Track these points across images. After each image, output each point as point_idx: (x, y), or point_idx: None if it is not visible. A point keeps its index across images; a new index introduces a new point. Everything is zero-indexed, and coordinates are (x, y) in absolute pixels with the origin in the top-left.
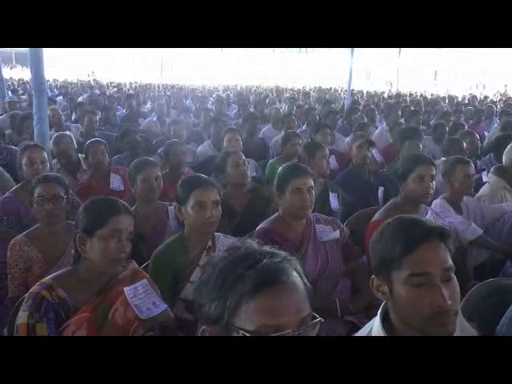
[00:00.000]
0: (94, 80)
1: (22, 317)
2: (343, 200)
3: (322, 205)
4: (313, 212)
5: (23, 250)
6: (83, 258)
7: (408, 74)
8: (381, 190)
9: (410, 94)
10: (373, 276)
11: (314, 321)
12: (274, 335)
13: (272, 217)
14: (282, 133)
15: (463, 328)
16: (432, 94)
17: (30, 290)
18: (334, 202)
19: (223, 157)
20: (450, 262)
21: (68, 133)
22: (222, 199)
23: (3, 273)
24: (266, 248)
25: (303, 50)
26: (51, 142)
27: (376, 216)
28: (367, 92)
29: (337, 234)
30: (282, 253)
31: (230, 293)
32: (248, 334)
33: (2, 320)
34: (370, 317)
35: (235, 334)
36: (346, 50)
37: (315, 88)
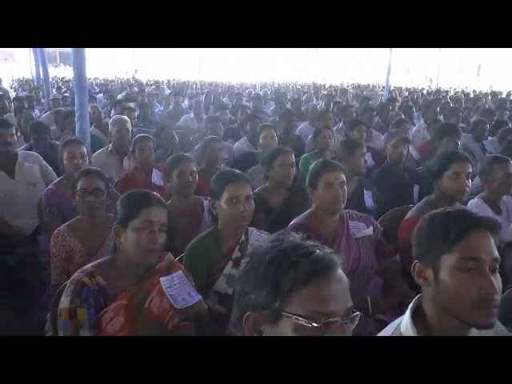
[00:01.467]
0: (134, 78)
1: (64, 301)
2: (377, 198)
3: (357, 202)
4: (346, 209)
5: (65, 240)
6: (120, 248)
7: (450, 69)
8: (416, 188)
9: (446, 91)
10: (415, 261)
11: (355, 314)
12: (323, 322)
13: (305, 213)
14: None
15: (498, 329)
16: (474, 91)
17: (72, 277)
18: (368, 199)
19: (274, 152)
20: (498, 254)
21: (126, 117)
22: (259, 195)
23: (47, 261)
24: (309, 242)
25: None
26: (110, 123)
27: (409, 214)
28: (406, 88)
29: (370, 230)
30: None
31: (282, 279)
32: (300, 319)
33: (45, 306)
34: (401, 315)
35: (285, 320)
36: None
37: (353, 85)
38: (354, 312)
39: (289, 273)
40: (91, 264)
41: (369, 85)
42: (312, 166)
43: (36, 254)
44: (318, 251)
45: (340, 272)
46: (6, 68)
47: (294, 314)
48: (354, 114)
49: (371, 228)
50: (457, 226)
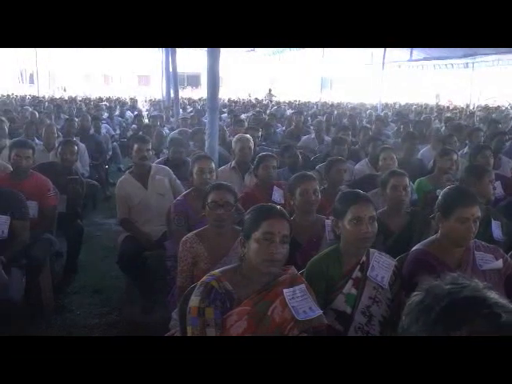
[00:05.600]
0: (256, 99)
1: (194, 300)
2: (507, 229)
3: (483, 232)
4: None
5: (192, 247)
6: (244, 257)
7: None
8: None
9: None
10: None
11: None
12: None
13: (430, 238)
14: None
15: None
16: None
17: (202, 279)
18: (496, 230)
19: (387, 175)
20: None
21: (248, 136)
22: (378, 218)
23: (172, 265)
24: (495, 294)
25: (470, 64)
26: (233, 141)
27: None
28: None
29: (499, 263)
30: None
31: (452, 333)
32: None
33: (169, 305)
34: None
35: None
36: None
37: (479, 107)
38: None
39: (462, 328)
40: (219, 270)
41: (498, 107)
42: (447, 192)
43: (162, 258)
44: (504, 317)
45: None
46: (142, 90)
47: None
48: (482, 139)
49: (500, 261)
50: None
